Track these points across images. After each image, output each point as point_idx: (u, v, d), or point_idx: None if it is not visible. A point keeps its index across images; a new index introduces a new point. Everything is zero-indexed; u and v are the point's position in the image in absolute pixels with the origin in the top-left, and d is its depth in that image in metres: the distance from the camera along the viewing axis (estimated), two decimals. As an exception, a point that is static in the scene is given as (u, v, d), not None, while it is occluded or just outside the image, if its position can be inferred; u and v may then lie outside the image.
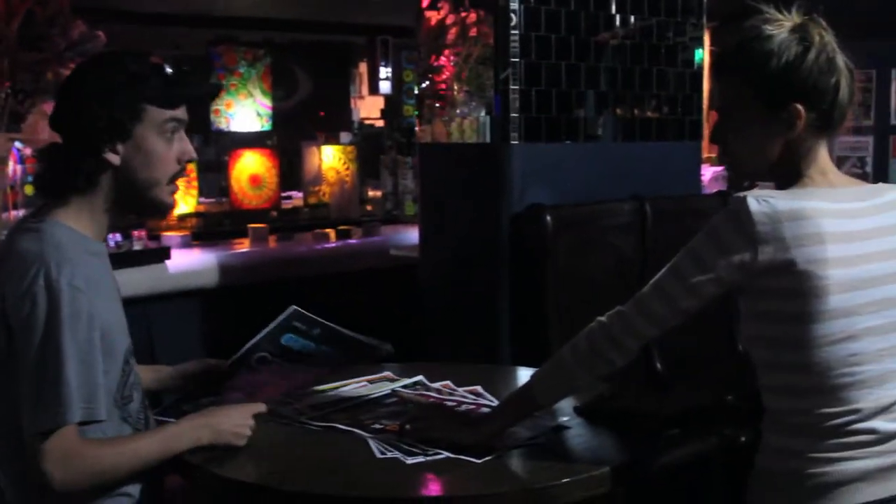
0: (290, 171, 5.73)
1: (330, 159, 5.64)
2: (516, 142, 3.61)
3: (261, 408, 2.10)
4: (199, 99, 2.26)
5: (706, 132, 4.52)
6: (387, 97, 6.29)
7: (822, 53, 1.86)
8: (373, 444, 2.05)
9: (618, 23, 3.89)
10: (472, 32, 3.77)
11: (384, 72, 6.30)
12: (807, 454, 1.83)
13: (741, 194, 1.84)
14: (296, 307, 2.24)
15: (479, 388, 2.45)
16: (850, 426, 1.82)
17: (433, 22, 3.92)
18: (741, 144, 1.92)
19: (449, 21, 3.86)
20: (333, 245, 4.75)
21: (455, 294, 3.79)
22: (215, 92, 2.27)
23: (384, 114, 6.12)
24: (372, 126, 6.20)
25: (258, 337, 2.19)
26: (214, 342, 4.23)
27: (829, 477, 1.82)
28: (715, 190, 4.91)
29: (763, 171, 1.94)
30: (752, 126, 1.90)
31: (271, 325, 2.19)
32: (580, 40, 3.76)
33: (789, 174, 1.91)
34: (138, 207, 2.11)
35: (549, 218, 3.51)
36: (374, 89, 6.29)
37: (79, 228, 1.98)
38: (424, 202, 3.98)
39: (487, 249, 3.65)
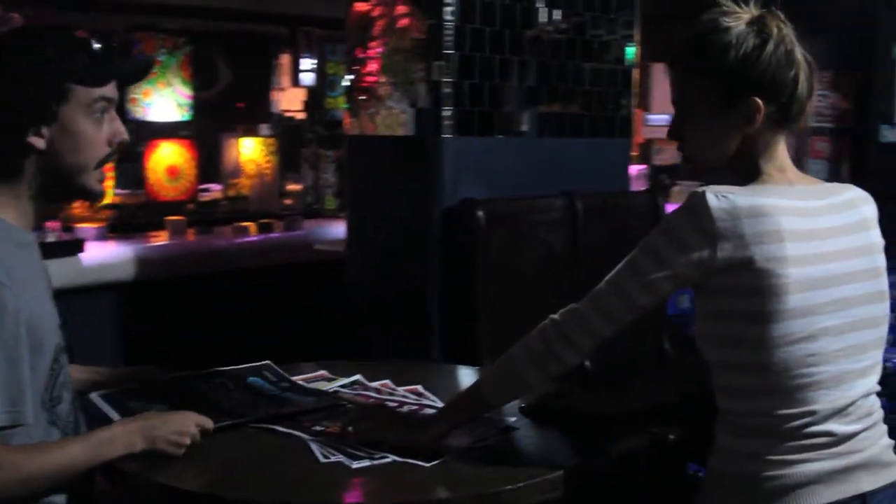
0: (209, 163, 5.57)
1: (250, 151, 5.51)
2: (449, 135, 3.54)
3: (207, 422, 1.95)
4: (129, 76, 2.11)
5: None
6: (309, 89, 6.17)
7: (780, 46, 1.83)
8: (315, 448, 1.96)
9: (549, 17, 3.84)
10: (400, 24, 3.69)
11: (307, 63, 6.17)
12: (763, 456, 1.80)
13: (699, 189, 1.79)
14: (270, 362, 2.22)
15: (419, 388, 2.38)
16: (806, 428, 1.79)
17: (360, 13, 3.84)
18: (699, 138, 1.89)
19: (376, 13, 3.77)
20: (255, 239, 4.62)
21: (383, 289, 3.72)
22: (147, 68, 2.11)
23: (307, 106, 6.00)
24: (292, 119, 6.06)
25: (222, 369, 2.12)
26: (131, 338, 4.10)
27: (786, 479, 1.79)
28: (639, 188, 4.92)
29: (720, 164, 1.89)
30: (709, 119, 1.86)
31: (239, 367, 2.14)
32: (514, 34, 3.70)
33: (747, 169, 1.87)
34: (65, 194, 1.96)
35: (481, 213, 3.46)
36: (295, 81, 6.16)
37: (5, 217, 1.84)
38: (352, 196, 3.89)
39: (418, 244, 3.58)
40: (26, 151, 1.84)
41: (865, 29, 5.55)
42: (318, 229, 4.84)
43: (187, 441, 1.89)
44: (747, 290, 1.77)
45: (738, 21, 1.85)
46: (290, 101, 6.25)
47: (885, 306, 1.89)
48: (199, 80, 5.79)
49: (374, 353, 3.61)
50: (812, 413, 1.78)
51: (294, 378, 2.36)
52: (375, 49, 3.78)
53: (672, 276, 1.80)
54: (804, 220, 1.80)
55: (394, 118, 3.70)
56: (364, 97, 3.81)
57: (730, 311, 1.80)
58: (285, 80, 6.28)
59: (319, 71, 6.16)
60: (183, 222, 4.64)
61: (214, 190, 5.66)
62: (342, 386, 2.38)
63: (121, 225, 4.64)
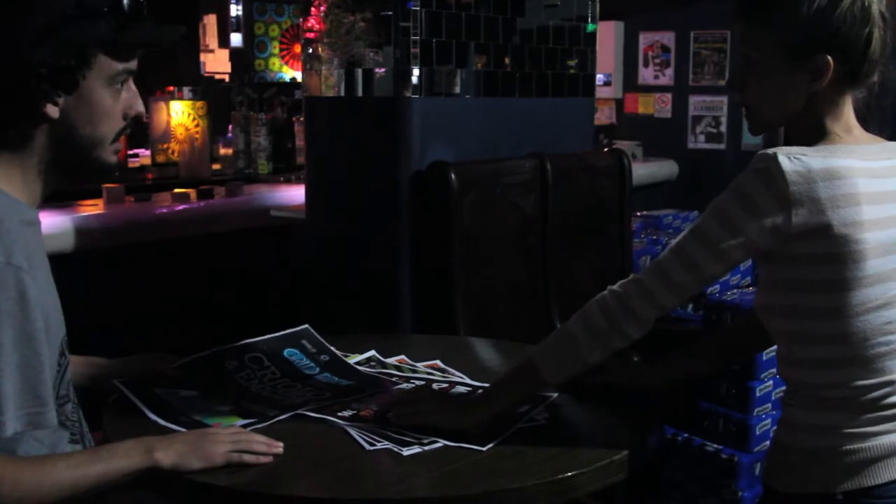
0: (137, 128, 5.33)
1: (179, 115, 5.28)
2: (416, 95, 3.40)
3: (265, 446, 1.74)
4: (158, 46, 1.86)
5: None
6: (236, 51, 5.94)
7: (856, 1, 1.71)
8: (355, 435, 1.81)
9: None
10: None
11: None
12: (841, 429, 1.73)
13: (769, 151, 1.69)
14: (308, 326, 2.04)
15: (439, 363, 2.25)
16: (885, 399, 1.72)
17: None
18: (762, 93, 1.79)
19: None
20: (201, 205, 4.40)
21: (348, 256, 3.56)
22: (176, 36, 1.85)
23: (235, 68, 5.78)
24: (222, 81, 5.83)
25: (258, 339, 1.98)
26: (75, 313, 3.87)
27: (865, 452, 1.72)
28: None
29: (782, 122, 1.82)
30: (775, 75, 1.76)
31: (278, 334, 1.99)
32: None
33: (812, 129, 1.77)
34: (77, 169, 1.72)
35: (453, 175, 3.33)
36: (223, 43, 5.93)
37: (10, 192, 1.63)
38: (311, 160, 3.71)
39: (385, 209, 3.44)
40: (39, 120, 1.62)
41: None
42: (263, 194, 4.63)
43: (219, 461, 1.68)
44: (824, 258, 1.68)
45: None
46: (214, 63, 6.03)
47: None
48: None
49: (338, 325, 3.46)
50: (891, 383, 1.72)
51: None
52: (319, 6, 3.62)
53: (744, 243, 1.70)
54: (877, 182, 1.72)
55: (330, 78, 3.56)
56: (309, 57, 3.65)
57: (805, 280, 1.71)
58: (212, 41, 6.04)
59: (247, 31, 5.94)
60: (121, 189, 4.39)
61: (143, 156, 5.42)
62: (357, 363, 2.24)
63: (51, 193, 4.38)
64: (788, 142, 1.80)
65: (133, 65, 1.69)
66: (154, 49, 1.75)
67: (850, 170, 1.69)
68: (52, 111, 1.62)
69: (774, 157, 1.68)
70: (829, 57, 1.72)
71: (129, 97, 1.71)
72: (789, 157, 1.68)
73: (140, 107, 1.74)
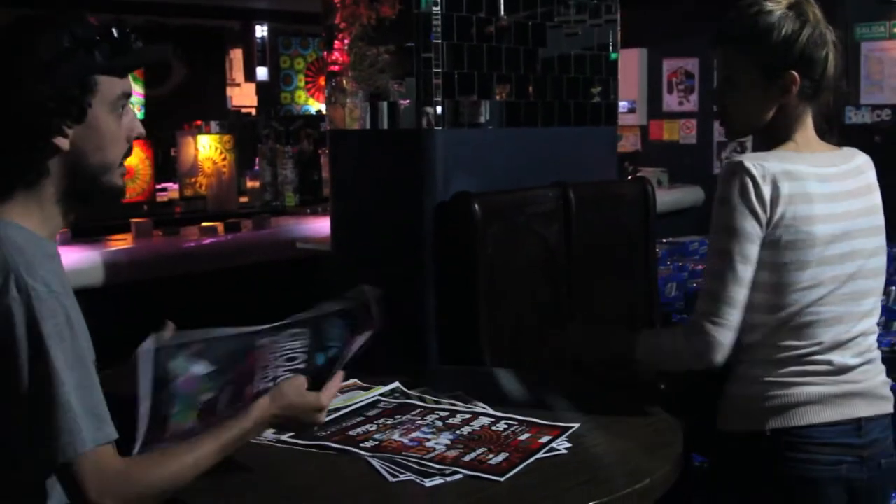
0: (165, 162, 5.39)
1: (206, 149, 5.34)
2: (440, 127, 3.42)
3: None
4: (151, 63, 1.95)
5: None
6: (263, 84, 6.00)
7: (816, 28, 2.11)
8: (378, 466, 1.83)
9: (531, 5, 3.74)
10: (361, 10, 3.57)
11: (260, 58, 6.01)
12: (771, 379, 2.10)
13: (734, 159, 2.08)
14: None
15: (461, 394, 2.26)
16: (809, 357, 2.08)
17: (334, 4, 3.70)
18: (740, 106, 2.17)
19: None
20: (226, 238, 4.45)
21: (374, 286, 3.57)
22: (166, 55, 1.96)
23: (261, 101, 5.83)
24: (249, 115, 5.88)
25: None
26: (103, 345, 3.91)
27: (789, 398, 2.08)
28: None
29: (756, 130, 2.21)
30: (751, 90, 2.14)
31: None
32: (499, 21, 3.59)
33: (778, 136, 2.15)
34: (90, 195, 1.75)
35: (477, 206, 3.34)
36: (250, 76, 5.99)
37: (31, 227, 1.67)
38: (336, 192, 3.74)
39: (410, 240, 3.45)
40: (51, 153, 1.67)
41: (826, 10, 5.53)
42: (290, 227, 4.68)
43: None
44: (780, 244, 2.04)
45: (779, 5, 2.12)
46: (241, 97, 6.09)
47: (884, 259, 2.19)
48: (152, 78, 5.60)
49: (362, 355, 3.47)
50: (818, 344, 2.07)
51: None
52: (342, 40, 3.65)
53: (751, 237, 2.04)
54: (825, 185, 2.09)
55: (358, 111, 3.59)
56: (333, 90, 3.68)
57: (762, 260, 2.06)
58: (238, 75, 6.10)
59: (273, 65, 6.00)
60: (149, 224, 4.46)
61: (171, 189, 5.48)
62: (382, 395, 2.26)
63: (80, 229, 4.44)
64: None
65: (129, 87, 1.76)
66: (148, 66, 1.81)
67: (802, 173, 2.07)
68: (63, 143, 1.66)
69: (741, 163, 2.06)
70: (795, 73, 2.10)
71: (130, 120, 1.76)
72: (754, 165, 2.05)
73: (140, 129, 1.79)
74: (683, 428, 2.13)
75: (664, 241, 4.91)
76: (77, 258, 3.93)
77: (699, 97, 6.42)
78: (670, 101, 6.52)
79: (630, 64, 6.08)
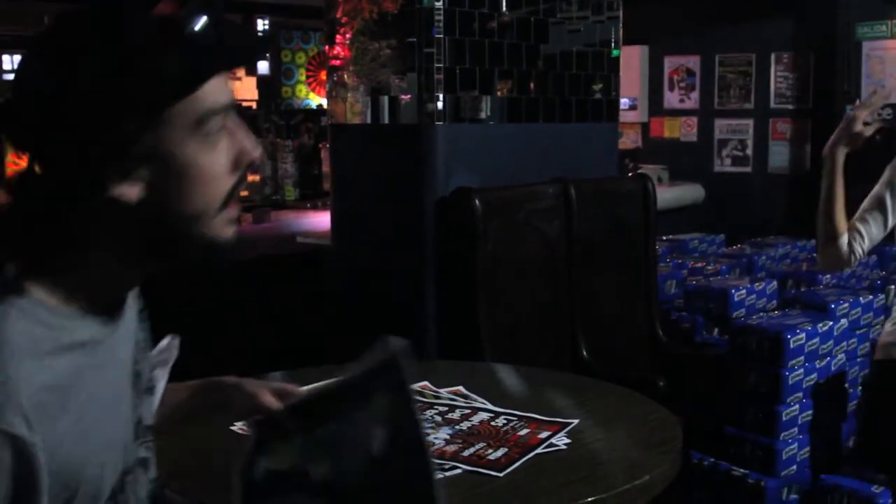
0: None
1: (207, 142, 5.34)
2: (441, 122, 3.43)
3: None
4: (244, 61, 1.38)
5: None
6: (263, 78, 6.00)
7: None
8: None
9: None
10: (363, 5, 3.57)
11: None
12: None
13: None
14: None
15: (461, 389, 2.26)
16: None
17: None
18: None
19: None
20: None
21: (374, 281, 3.59)
22: (266, 45, 1.40)
23: (262, 96, 5.83)
24: (249, 109, 5.88)
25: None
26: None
27: None
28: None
29: None
30: None
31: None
32: (500, 17, 3.59)
33: None
34: (175, 254, 1.15)
35: (477, 201, 3.35)
36: (250, 70, 5.99)
37: (66, 302, 1.08)
38: (336, 186, 3.75)
39: (411, 234, 3.46)
40: (111, 208, 1.08)
41: (828, 9, 5.54)
42: (290, 221, 4.68)
43: None
44: None
45: None
46: (244, 90, 6.09)
47: None
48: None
49: (362, 349, 3.47)
50: None
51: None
52: (344, 35, 3.66)
53: None
54: None
55: (359, 105, 3.59)
56: (335, 84, 3.69)
57: None
58: (239, 69, 6.10)
59: (274, 59, 6.00)
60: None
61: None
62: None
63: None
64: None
65: (222, 96, 1.12)
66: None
67: None
68: (129, 192, 1.07)
69: None
70: None
71: (237, 142, 1.13)
72: None
73: (254, 151, 1.15)
74: (683, 425, 2.12)
75: (664, 238, 4.91)
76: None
77: (700, 95, 6.42)
78: (671, 99, 6.52)
79: (631, 61, 6.07)
